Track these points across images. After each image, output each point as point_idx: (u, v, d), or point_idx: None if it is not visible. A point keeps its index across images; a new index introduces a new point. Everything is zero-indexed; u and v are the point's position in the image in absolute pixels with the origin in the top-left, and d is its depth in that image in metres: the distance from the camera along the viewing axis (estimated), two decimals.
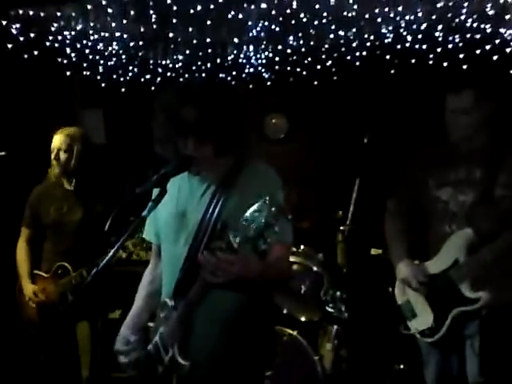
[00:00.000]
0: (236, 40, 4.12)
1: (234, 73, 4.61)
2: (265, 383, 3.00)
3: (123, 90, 4.64)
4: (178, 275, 1.98)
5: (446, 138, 2.67)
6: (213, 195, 1.99)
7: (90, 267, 3.04)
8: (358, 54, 4.24)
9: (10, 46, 3.93)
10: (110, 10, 3.83)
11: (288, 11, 3.78)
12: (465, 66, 4.01)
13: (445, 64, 4.08)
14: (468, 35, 3.92)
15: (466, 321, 2.55)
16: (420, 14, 3.74)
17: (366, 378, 3.57)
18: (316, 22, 3.84)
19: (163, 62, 4.42)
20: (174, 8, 3.78)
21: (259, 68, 4.58)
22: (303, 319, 3.51)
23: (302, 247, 3.58)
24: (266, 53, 4.36)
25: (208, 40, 4.08)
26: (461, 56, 4.01)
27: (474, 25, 3.82)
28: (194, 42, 4.12)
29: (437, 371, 2.70)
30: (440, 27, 3.87)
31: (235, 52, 4.31)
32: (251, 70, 4.59)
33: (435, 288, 2.60)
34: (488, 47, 3.91)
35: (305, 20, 3.82)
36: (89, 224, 3.15)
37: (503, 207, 2.48)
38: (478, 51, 3.95)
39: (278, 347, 3.27)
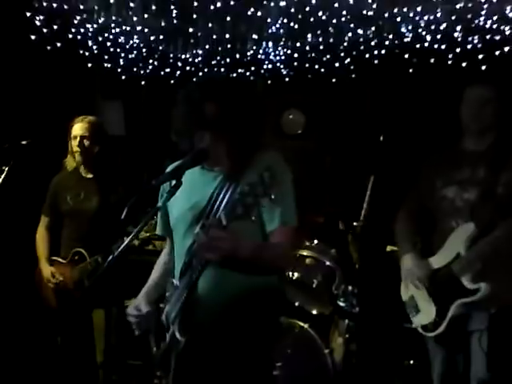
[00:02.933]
0: (255, 36, 4.15)
1: (252, 69, 4.64)
2: (275, 374, 3.08)
3: (143, 82, 4.69)
4: (184, 259, 2.03)
5: (454, 138, 2.75)
6: (222, 186, 2.02)
7: (105, 254, 3.12)
8: (376, 52, 4.24)
9: (33, 37, 4.00)
10: (131, 4, 3.90)
11: (307, 9, 3.81)
12: (483, 67, 4.01)
13: (463, 64, 4.08)
14: (487, 36, 3.91)
15: (467, 314, 2.58)
16: (439, 14, 3.75)
17: (376, 372, 3.60)
18: (335, 20, 3.87)
19: (183, 57, 4.46)
20: (195, 3, 3.83)
21: (278, 64, 4.60)
22: (315, 312, 3.54)
23: (315, 242, 3.61)
24: (285, 49, 4.38)
25: (227, 36, 4.12)
26: (480, 57, 4.00)
27: (494, 26, 3.82)
28: (214, 37, 4.16)
29: (442, 369, 2.72)
30: (459, 28, 3.88)
31: (254, 48, 4.34)
32: (270, 66, 4.61)
33: (438, 282, 2.64)
34: (507, 49, 3.90)
35: (324, 18, 3.85)
36: (105, 212, 3.22)
37: (504, 204, 2.55)
38: (497, 52, 3.94)
39: (288, 340, 3.32)
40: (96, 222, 3.24)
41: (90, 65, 4.41)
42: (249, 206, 1.69)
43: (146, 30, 4.15)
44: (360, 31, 3.97)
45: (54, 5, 3.96)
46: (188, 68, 4.62)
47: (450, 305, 2.57)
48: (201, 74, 4.57)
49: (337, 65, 4.41)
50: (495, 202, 2.56)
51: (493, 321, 2.54)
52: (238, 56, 4.46)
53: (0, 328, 3.78)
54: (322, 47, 4.23)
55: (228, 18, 3.86)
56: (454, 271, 2.58)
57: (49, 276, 3.30)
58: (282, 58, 4.50)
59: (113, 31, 4.19)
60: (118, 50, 4.42)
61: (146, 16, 3.95)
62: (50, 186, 3.43)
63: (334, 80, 4.56)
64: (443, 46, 4.05)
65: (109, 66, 4.52)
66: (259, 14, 3.83)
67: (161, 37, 4.27)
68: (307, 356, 3.33)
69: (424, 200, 2.83)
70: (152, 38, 4.27)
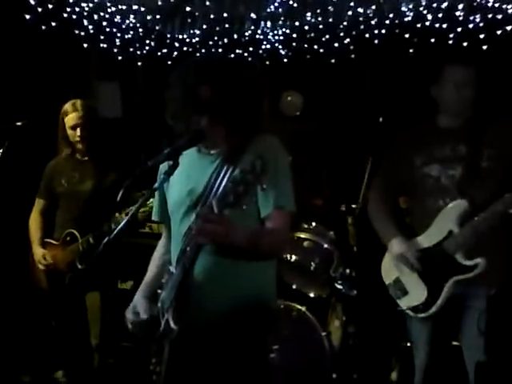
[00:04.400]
0: (253, 16, 4.10)
1: (250, 49, 4.58)
2: (272, 357, 3.08)
3: (139, 63, 4.63)
4: (181, 245, 2.01)
5: (430, 115, 2.72)
6: (219, 171, 2.00)
7: (95, 234, 3.10)
8: (376, 31, 4.19)
9: (27, 17, 3.94)
10: None
11: None
12: (485, 47, 3.95)
13: (465, 44, 4.03)
14: (489, 15, 3.86)
15: (462, 291, 2.55)
16: None
17: (373, 354, 3.60)
18: None
19: (180, 37, 4.40)
20: None
21: (276, 44, 4.55)
22: (312, 295, 3.53)
23: (313, 224, 3.59)
24: (284, 29, 4.33)
25: (225, 15, 4.06)
26: (481, 36, 3.95)
27: (496, 5, 3.77)
28: (212, 16, 4.10)
29: (428, 350, 2.67)
30: (461, 6, 3.82)
31: (252, 28, 4.28)
32: (268, 46, 4.56)
33: (428, 261, 2.59)
34: (509, 28, 3.85)
35: None
36: (100, 193, 3.20)
37: (491, 178, 2.52)
38: (498, 32, 3.89)
39: (286, 323, 3.31)
40: (91, 204, 3.23)
41: (85, 45, 4.35)
42: (240, 194, 1.65)
43: (142, 9, 4.09)
44: (360, 10, 3.92)
45: None
46: (185, 48, 4.57)
47: (444, 283, 2.53)
48: (198, 54, 4.51)
49: (336, 45, 4.35)
50: (483, 177, 2.52)
51: (492, 302, 2.52)
52: (235, 36, 4.40)
53: None
54: (321, 27, 4.18)
55: None
56: (448, 249, 2.53)
57: (40, 258, 3.28)
58: (281, 37, 4.45)
59: (108, 10, 4.13)
60: (114, 29, 4.36)
61: None
62: (45, 170, 3.41)
63: (333, 60, 4.50)
64: (444, 26, 3.99)
65: (105, 46, 4.46)
66: None
67: (157, 16, 4.20)
68: (305, 339, 3.32)
69: (400, 179, 2.76)
70: (149, 17, 4.21)
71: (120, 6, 4.06)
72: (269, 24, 4.27)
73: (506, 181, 2.51)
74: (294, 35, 4.37)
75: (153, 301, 2.11)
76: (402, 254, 2.64)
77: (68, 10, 4.09)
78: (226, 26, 4.25)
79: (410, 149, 2.70)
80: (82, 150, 3.28)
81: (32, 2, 3.93)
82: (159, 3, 4.02)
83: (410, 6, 3.90)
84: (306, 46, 4.46)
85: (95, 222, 3.13)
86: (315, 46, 4.43)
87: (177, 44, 4.52)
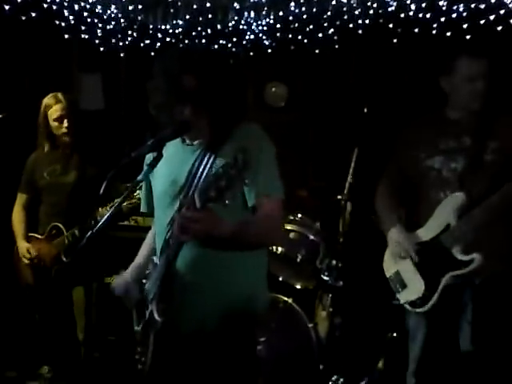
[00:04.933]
0: (237, 6, 4.06)
1: (234, 39, 4.54)
2: (259, 349, 3.08)
3: (122, 54, 4.58)
4: (164, 235, 1.99)
5: (437, 107, 2.70)
6: (201, 161, 1.98)
7: (81, 227, 3.07)
8: (360, 22, 4.16)
9: (7, 7, 3.87)
10: None
11: None
12: (468, 36, 3.96)
13: (448, 34, 4.02)
14: (472, 5, 3.86)
15: (458, 286, 2.55)
16: None
17: (360, 345, 3.61)
18: None
19: (163, 27, 4.35)
20: None
21: (260, 35, 4.50)
22: (298, 287, 3.54)
23: (299, 215, 3.58)
24: (267, 19, 4.29)
25: (208, 5, 4.02)
26: (464, 26, 3.95)
27: None
28: (194, 6, 4.06)
29: (424, 344, 2.68)
30: None
31: (236, 18, 4.24)
32: (252, 36, 4.51)
33: (426, 255, 2.59)
34: (492, 17, 3.85)
35: None
36: (83, 185, 3.17)
37: (492, 171, 2.52)
38: (481, 21, 3.89)
39: (272, 314, 3.31)
40: (74, 197, 3.20)
41: (66, 36, 4.28)
42: (222, 189, 1.63)
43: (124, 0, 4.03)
44: (344, 0, 3.89)
45: None
46: (168, 39, 4.51)
47: (441, 278, 2.52)
48: (181, 45, 4.46)
49: (320, 35, 4.33)
50: (484, 170, 2.52)
51: (479, 290, 2.53)
52: (219, 26, 4.36)
53: None
54: (305, 17, 4.14)
55: None
56: (445, 243, 2.53)
57: (24, 252, 3.25)
58: (265, 28, 4.40)
59: (90, 0, 4.07)
60: (96, 20, 4.29)
61: None
62: (26, 164, 3.38)
63: (317, 51, 4.48)
64: (428, 15, 3.98)
65: (86, 37, 4.39)
66: None
67: (140, 6, 4.15)
68: (291, 330, 3.33)
69: (406, 171, 2.77)
70: (131, 7, 4.15)
71: None
72: (252, 14, 4.22)
73: (508, 174, 2.49)
74: (278, 25, 4.33)
75: (138, 288, 2.11)
76: (398, 244, 2.64)
77: (48, 0, 4.02)
78: (209, 16, 4.21)
79: (415, 142, 2.71)
80: (66, 142, 3.24)
81: None
82: None
83: None
84: (290, 36, 4.42)
85: (80, 215, 3.11)
86: (299, 37, 4.39)
87: (160, 35, 4.46)
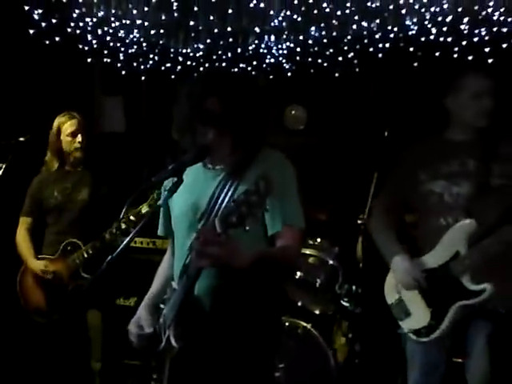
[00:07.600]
0: (257, 29, 4.08)
1: (254, 63, 4.57)
2: (277, 375, 3.04)
3: (143, 77, 4.63)
4: (184, 260, 1.97)
5: (436, 129, 2.67)
6: (223, 186, 1.97)
7: (99, 241, 3.06)
8: (380, 45, 4.16)
9: (31, 31, 3.94)
10: None
11: (310, 1, 3.74)
12: (490, 60, 3.93)
13: (470, 57, 4.00)
14: (494, 29, 3.83)
15: (467, 317, 2.46)
16: (445, 6, 3.67)
17: (379, 373, 3.55)
18: (339, 13, 3.79)
19: (184, 51, 4.40)
20: None
21: (280, 58, 4.53)
22: (317, 312, 3.49)
23: (318, 240, 3.55)
24: (288, 43, 4.31)
25: (229, 29, 4.05)
26: (486, 50, 3.93)
27: (501, 18, 3.74)
28: (215, 30, 4.10)
29: (424, 372, 2.58)
30: (466, 20, 3.80)
31: (256, 42, 4.27)
32: (272, 60, 4.54)
33: (433, 283, 2.49)
34: None
35: (327, 10, 3.78)
36: (95, 203, 3.17)
37: (501, 197, 2.42)
38: (504, 45, 3.86)
39: (291, 340, 3.27)
40: (86, 213, 3.19)
41: (89, 59, 4.35)
42: (243, 215, 1.62)
43: (146, 24, 4.08)
44: (364, 24, 3.89)
45: None
46: (189, 63, 4.56)
47: (448, 307, 2.43)
48: (202, 68, 4.50)
49: (340, 59, 4.33)
50: (492, 195, 2.42)
51: (502, 322, 2.45)
52: (239, 50, 4.39)
53: None
54: (325, 40, 4.16)
55: (229, 11, 3.79)
56: (454, 271, 2.44)
57: (42, 268, 3.20)
58: (285, 51, 4.43)
59: (112, 25, 4.13)
60: (118, 44, 4.36)
61: (146, 9, 3.89)
62: (30, 187, 3.36)
63: (337, 74, 4.48)
64: (449, 39, 3.96)
65: (108, 60, 4.46)
66: (261, 6, 3.76)
67: (161, 31, 4.20)
68: (310, 356, 3.28)
69: (406, 195, 2.68)
70: (152, 31, 4.21)
71: (124, 21, 4.05)
72: (272, 38, 4.25)
73: None
74: (298, 49, 4.35)
75: (156, 315, 2.08)
76: (404, 272, 2.56)
77: (72, 24, 4.09)
78: (230, 40, 4.25)
79: (415, 163, 2.64)
80: (77, 158, 3.24)
81: (36, 17, 3.93)
82: (163, 18, 4.02)
83: (415, 20, 3.87)
84: (309, 59, 4.44)
85: (93, 231, 3.09)
86: (319, 60, 4.41)
87: (180, 58, 4.52)
